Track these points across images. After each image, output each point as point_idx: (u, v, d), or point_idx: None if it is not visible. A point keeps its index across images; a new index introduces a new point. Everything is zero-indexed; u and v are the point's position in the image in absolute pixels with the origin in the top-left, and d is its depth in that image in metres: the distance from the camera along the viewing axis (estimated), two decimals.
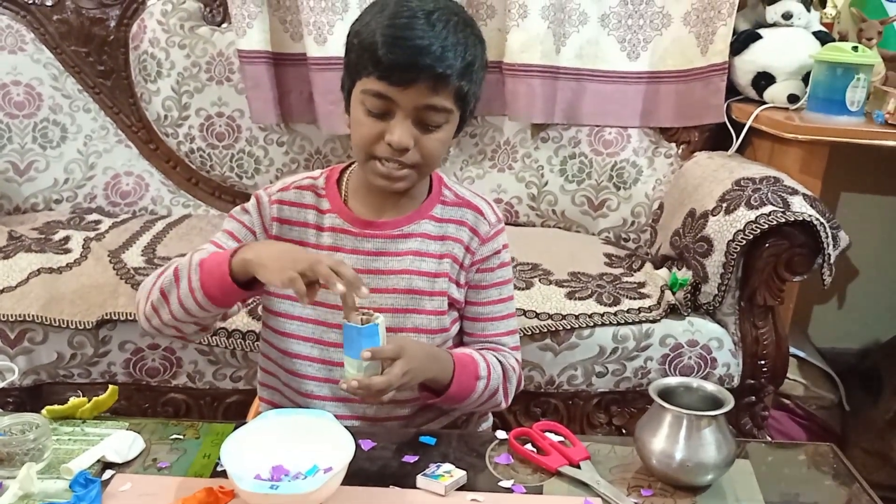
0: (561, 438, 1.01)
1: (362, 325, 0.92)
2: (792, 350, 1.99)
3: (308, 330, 1.08)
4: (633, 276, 1.70)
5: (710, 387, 0.98)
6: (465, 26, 0.99)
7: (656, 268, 1.73)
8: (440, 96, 0.96)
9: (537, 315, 1.53)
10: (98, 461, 0.92)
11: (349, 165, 1.11)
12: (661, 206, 1.90)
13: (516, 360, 1.14)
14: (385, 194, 1.06)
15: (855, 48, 1.70)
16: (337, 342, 1.04)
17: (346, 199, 1.08)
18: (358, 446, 0.91)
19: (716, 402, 0.95)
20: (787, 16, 1.83)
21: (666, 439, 0.93)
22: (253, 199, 1.09)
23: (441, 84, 0.95)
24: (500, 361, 1.10)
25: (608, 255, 1.83)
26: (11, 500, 0.85)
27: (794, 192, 1.53)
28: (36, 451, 0.92)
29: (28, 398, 1.49)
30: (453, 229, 1.09)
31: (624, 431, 1.61)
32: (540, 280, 1.63)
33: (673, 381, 0.99)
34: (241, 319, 1.47)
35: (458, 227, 1.09)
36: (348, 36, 1.02)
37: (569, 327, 1.52)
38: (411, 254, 1.07)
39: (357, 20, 1.01)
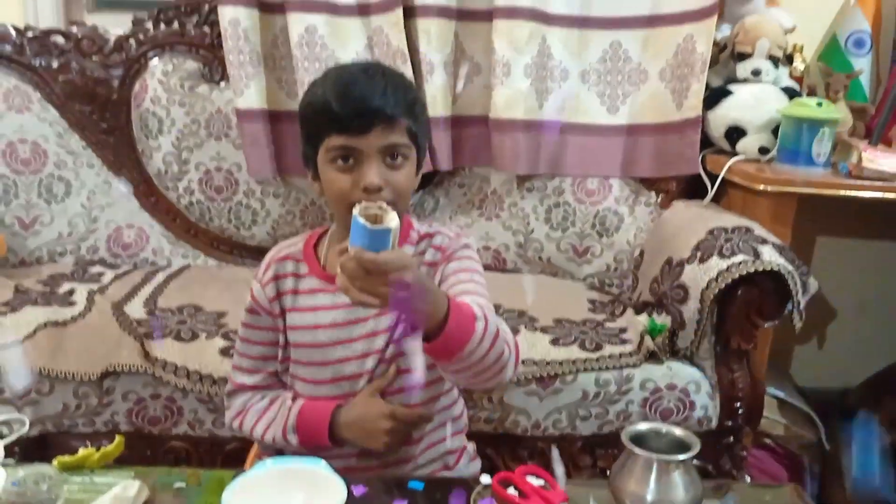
0: (542, 483, 1.07)
1: (374, 224, 0.90)
2: (772, 390, 2.06)
3: (323, 391, 1.18)
4: (615, 321, 1.77)
5: (679, 431, 1.05)
6: (398, 76, 1.13)
7: (637, 313, 1.80)
8: (395, 134, 1.07)
9: (523, 362, 1.59)
10: None
11: (326, 230, 1.21)
12: (641, 253, 1.98)
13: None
14: None
15: (819, 104, 1.79)
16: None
17: (325, 259, 1.17)
18: (350, 492, 0.98)
19: (683, 446, 1.01)
20: (756, 72, 1.94)
21: (638, 482, 0.99)
22: (249, 300, 1.20)
23: (393, 123, 1.07)
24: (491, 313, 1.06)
25: (592, 301, 1.90)
26: None
27: (764, 241, 1.61)
28: (49, 501, 0.98)
29: (34, 448, 1.55)
30: (418, 262, 1.16)
31: (608, 473, 1.66)
32: (526, 327, 1.70)
33: (644, 426, 1.06)
34: None
35: (421, 258, 1.17)
36: (300, 111, 1.14)
37: (553, 373, 1.59)
38: None
39: (304, 97, 1.14)
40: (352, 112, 1.05)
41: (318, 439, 1.15)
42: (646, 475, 0.99)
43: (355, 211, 0.91)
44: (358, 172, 1.07)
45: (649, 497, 0.98)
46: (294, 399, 1.19)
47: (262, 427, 1.19)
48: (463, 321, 0.97)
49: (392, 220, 0.91)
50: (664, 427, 1.06)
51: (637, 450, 0.99)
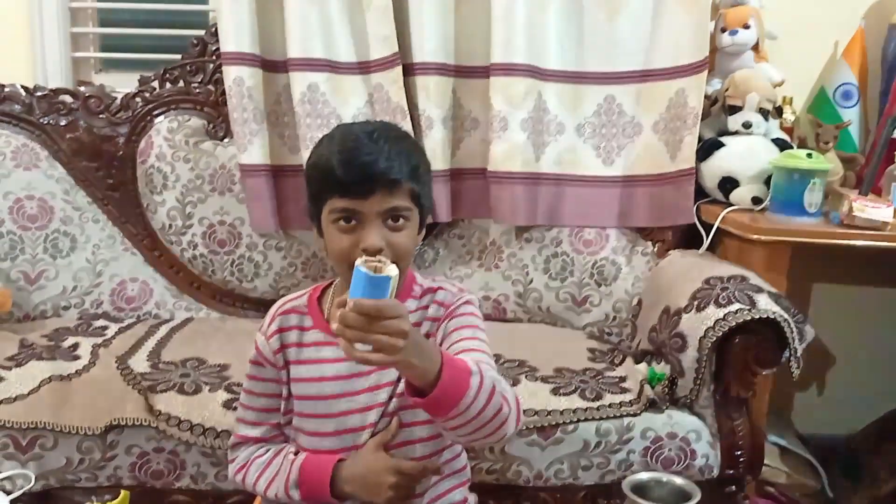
0: None
1: (375, 273, 0.93)
2: (773, 438, 2.06)
3: (326, 444, 1.19)
4: (614, 370, 1.78)
5: (679, 480, 1.07)
6: (404, 138, 1.15)
7: (636, 362, 1.82)
8: (397, 198, 1.10)
9: (524, 412, 1.60)
10: None
11: (331, 283, 1.23)
12: (639, 302, 2.01)
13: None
14: None
15: (809, 154, 1.83)
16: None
17: (329, 313, 1.19)
18: None
19: (684, 495, 1.03)
20: (747, 125, 1.98)
21: None
22: (255, 351, 1.22)
23: (395, 188, 1.09)
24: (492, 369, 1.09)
25: (591, 350, 1.91)
26: None
27: (760, 290, 1.63)
28: None
29: (37, 503, 1.55)
30: (418, 315, 1.19)
31: None
32: (526, 377, 1.71)
33: (645, 475, 1.08)
34: None
35: (424, 312, 1.19)
36: (307, 170, 1.17)
37: (554, 423, 1.59)
38: None
39: (311, 155, 1.17)
40: (354, 177, 1.07)
41: (321, 494, 1.15)
42: None
43: (358, 262, 0.95)
44: (359, 234, 1.10)
45: None
46: (297, 453, 1.20)
47: (265, 482, 1.20)
48: (457, 376, 0.97)
49: (392, 269, 0.94)
50: (665, 476, 1.08)
51: (639, 500, 1.01)
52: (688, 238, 2.07)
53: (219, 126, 2.19)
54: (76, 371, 1.70)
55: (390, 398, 1.17)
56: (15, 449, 1.54)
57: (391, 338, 0.90)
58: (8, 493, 1.14)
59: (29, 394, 1.61)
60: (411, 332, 0.93)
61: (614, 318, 2.10)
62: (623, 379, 1.73)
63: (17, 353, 1.77)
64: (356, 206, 1.09)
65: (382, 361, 0.92)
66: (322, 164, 1.11)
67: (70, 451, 1.56)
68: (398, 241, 1.11)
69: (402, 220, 1.11)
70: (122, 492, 1.14)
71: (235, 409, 1.32)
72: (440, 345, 1.16)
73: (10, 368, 1.69)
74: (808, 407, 2.47)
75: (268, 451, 1.22)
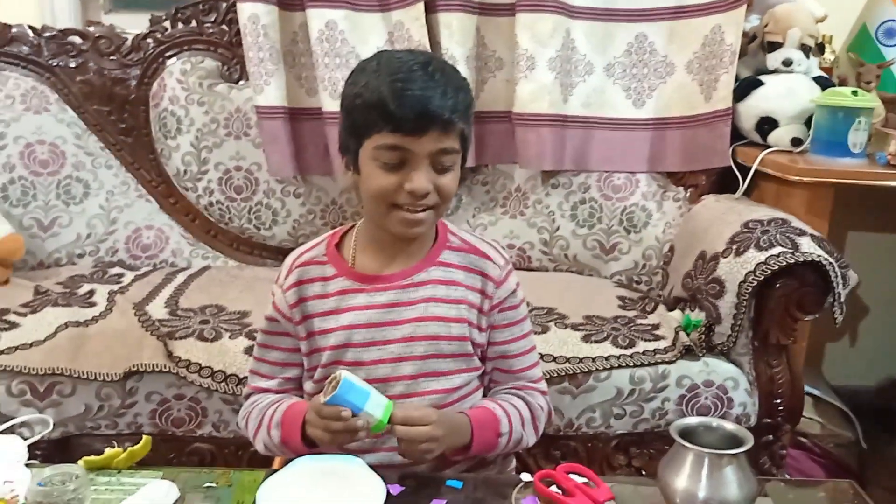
0: (585, 480, 1.03)
1: (334, 389, 0.97)
2: (807, 388, 2.00)
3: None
4: (646, 318, 1.72)
5: (730, 426, 1.01)
6: (457, 77, 1.06)
7: (669, 310, 1.76)
8: (449, 139, 1.02)
9: (555, 359, 1.55)
10: None
11: (350, 228, 1.16)
12: (671, 249, 1.94)
13: (542, 392, 1.18)
14: (397, 244, 1.10)
15: (854, 92, 1.75)
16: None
17: (354, 259, 1.13)
18: (387, 491, 0.94)
19: (736, 441, 0.97)
20: (788, 62, 1.89)
21: (688, 479, 0.94)
22: (271, 307, 1.15)
23: (449, 128, 1.02)
24: (527, 403, 1.14)
25: (621, 298, 1.86)
26: None
27: (803, 233, 1.56)
28: (76, 501, 0.94)
29: (56, 450, 1.52)
30: (462, 275, 1.12)
31: (643, 473, 1.62)
32: (556, 324, 1.66)
33: (693, 420, 1.01)
34: None
35: (468, 274, 1.12)
36: (347, 99, 1.06)
37: (586, 370, 1.54)
38: (423, 301, 1.10)
39: (351, 84, 1.06)
40: (409, 113, 0.99)
41: (293, 436, 1.07)
42: (697, 472, 0.94)
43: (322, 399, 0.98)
44: (405, 174, 1.02)
45: (701, 494, 0.94)
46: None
47: (254, 426, 1.13)
48: (486, 440, 1.09)
49: (339, 373, 0.98)
50: (714, 421, 1.02)
51: (688, 445, 0.95)
52: (722, 182, 1.99)
53: (233, 68, 2.11)
54: (92, 318, 1.66)
55: (427, 356, 1.11)
56: (32, 395, 1.51)
57: (428, 444, 1.00)
58: (26, 438, 1.10)
59: (45, 340, 1.57)
60: (441, 427, 1.01)
61: (644, 265, 2.03)
62: (656, 326, 1.67)
63: (31, 299, 1.73)
64: (407, 143, 1.01)
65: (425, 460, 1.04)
66: (370, 95, 1.01)
67: (89, 397, 1.52)
68: (444, 184, 1.04)
69: (450, 163, 1.04)
70: (144, 437, 1.09)
71: None
72: (486, 329, 1.14)
73: (24, 315, 1.65)
74: (841, 357, 2.41)
75: (268, 399, 1.15)
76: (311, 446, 1.07)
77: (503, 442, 1.10)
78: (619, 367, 1.55)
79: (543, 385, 1.20)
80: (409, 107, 0.99)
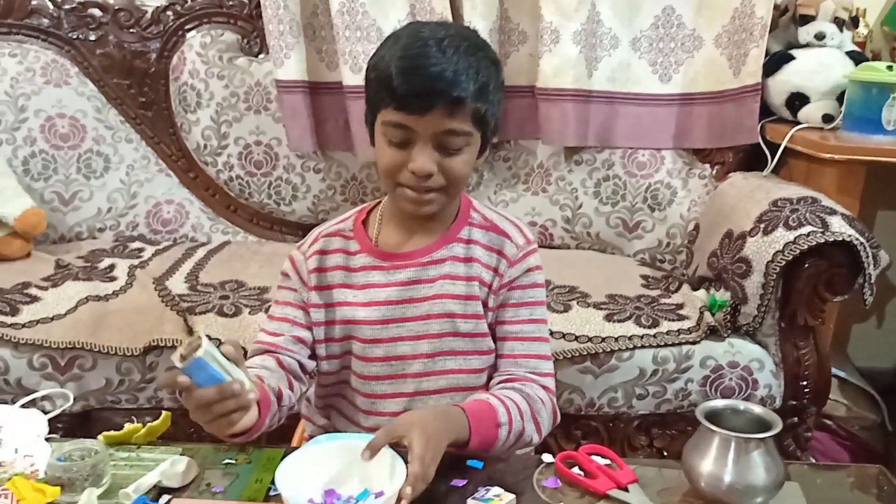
0: (607, 462, 1.01)
1: (185, 359, 0.84)
2: (832, 370, 1.97)
3: (374, 370, 1.11)
4: (670, 297, 1.70)
5: (757, 409, 0.98)
6: (477, 50, 1.01)
7: (693, 289, 1.73)
8: (457, 120, 0.98)
9: (576, 338, 1.53)
10: (154, 486, 0.94)
11: (377, 204, 1.14)
12: (696, 227, 1.91)
13: (545, 387, 1.10)
14: (415, 220, 1.09)
15: (889, 67, 1.70)
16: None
17: (378, 235, 1.11)
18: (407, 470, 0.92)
19: (763, 425, 0.95)
20: (820, 36, 1.84)
21: (714, 462, 0.92)
22: (288, 262, 1.13)
23: (457, 108, 0.97)
24: (524, 395, 1.07)
25: (644, 277, 1.83)
26: None
27: (833, 212, 1.52)
28: (95, 476, 0.94)
29: (77, 424, 1.53)
30: (481, 252, 1.10)
31: (665, 454, 1.60)
32: (577, 303, 1.64)
33: (719, 403, 0.99)
34: None
35: (487, 252, 1.10)
36: (367, 70, 1.04)
37: (608, 350, 1.52)
38: (441, 278, 1.09)
39: (374, 54, 1.04)
40: (412, 90, 0.96)
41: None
42: (723, 455, 0.92)
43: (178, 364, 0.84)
44: (409, 153, 1.00)
45: (727, 478, 0.92)
46: (292, 387, 1.07)
47: None
48: (485, 432, 1.00)
49: (201, 342, 0.84)
50: (741, 404, 0.99)
51: (714, 428, 0.93)
52: (749, 160, 1.95)
53: (253, 41, 2.10)
54: (113, 292, 1.66)
55: (443, 334, 1.09)
56: (53, 369, 1.51)
57: (429, 471, 0.90)
58: (47, 412, 1.10)
59: (66, 314, 1.57)
60: (431, 424, 0.94)
61: (668, 244, 2.00)
62: (680, 306, 1.64)
63: (52, 273, 1.74)
64: (410, 122, 0.98)
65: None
66: (381, 68, 0.99)
67: (109, 371, 1.53)
68: (452, 166, 1.01)
69: (459, 145, 1.01)
70: (164, 413, 1.08)
71: None
72: (496, 308, 1.10)
73: (46, 289, 1.65)
74: (867, 339, 2.37)
75: (262, 367, 1.07)
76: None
77: (503, 434, 1.02)
78: (642, 346, 1.53)
79: (549, 382, 1.11)
80: (411, 84, 0.96)
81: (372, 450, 0.89)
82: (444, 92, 0.96)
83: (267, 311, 1.55)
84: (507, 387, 1.08)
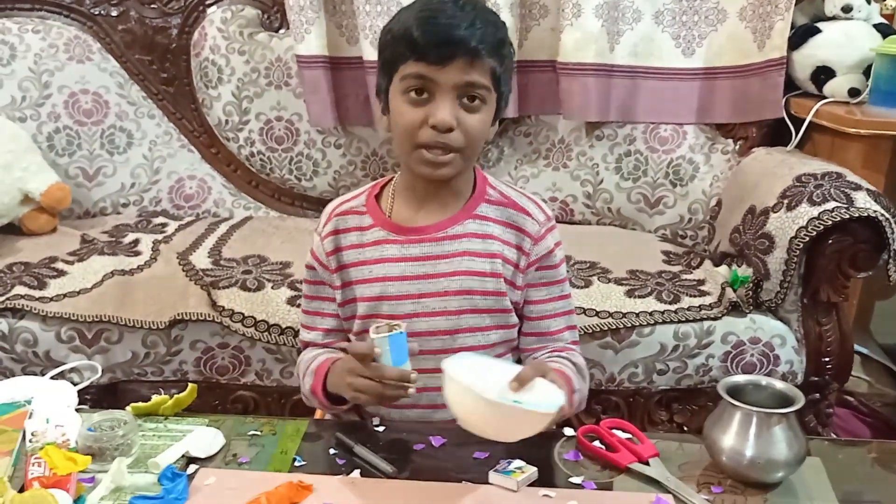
0: (628, 436, 1.02)
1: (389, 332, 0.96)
2: (855, 347, 1.96)
3: None
4: (692, 273, 1.69)
5: (779, 384, 0.98)
6: (490, 12, 1.05)
7: (715, 265, 1.73)
8: (476, 72, 1.00)
9: (597, 313, 1.54)
10: (182, 456, 0.96)
11: (390, 179, 1.14)
12: (718, 203, 1.89)
13: (580, 355, 1.16)
14: (429, 192, 1.09)
15: None
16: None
17: (391, 210, 1.11)
18: (429, 443, 0.94)
19: (785, 400, 0.95)
20: (847, 9, 1.81)
21: (736, 437, 0.93)
22: (309, 255, 1.15)
23: (476, 60, 0.99)
24: (573, 363, 1.12)
25: (666, 253, 1.82)
26: (104, 493, 0.89)
27: (858, 187, 1.51)
28: (125, 446, 0.96)
29: (104, 396, 1.55)
30: (499, 230, 1.10)
31: (685, 429, 1.61)
32: (598, 278, 1.64)
33: (741, 378, 1.00)
34: None
35: (505, 229, 1.10)
36: (381, 38, 1.06)
37: (629, 325, 1.52)
38: (459, 255, 1.09)
39: (385, 26, 1.06)
40: (433, 39, 0.98)
41: (318, 386, 1.08)
42: (745, 430, 0.93)
43: (372, 331, 0.97)
44: (430, 108, 1.00)
45: (749, 453, 0.92)
46: None
47: (299, 377, 1.15)
48: (569, 400, 1.01)
49: (399, 324, 0.98)
50: (763, 379, 1.00)
51: (736, 403, 0.93)
52: (773, 135, 1.93)
53: (273, 16, 2.09)
54: (138, 266, 1.68)
55: (462, 311, 1.09)
56: (81, 342, 1.54)
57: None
58: (75, 384, 1.12)
59: (92, 288, 1.59)
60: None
61: (689, 220, 1.99)
62: (702, 282, 1.64)
63: (78, 248, 1.76)
64: (431, 73, 0.99)
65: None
66: (398, 27, 1.01)
67: (135, 344, 1.55)
68: (471, 123, 1.02)
69: (478, 101, 1.02)
70: (190, 385, 1.10)
71: (299, 305, 1.27)
72: (521, 287, 1.11)
73: (72, 263, 1.68)
74: (890, 316, 2.34)
75: (316, 351, 1.15)
76: (337, 403, 1.08)
77: (577, 399, 1.08)
78: (663, 322, 1.53)
79: (579, 349, 1.17)
80: (433, 34, 0.98)
81: (520, 382, 0.91)
82: (463, 41, 0.98)
83: (289, 286, 1.58)
84: (562, 355, 1.12)
